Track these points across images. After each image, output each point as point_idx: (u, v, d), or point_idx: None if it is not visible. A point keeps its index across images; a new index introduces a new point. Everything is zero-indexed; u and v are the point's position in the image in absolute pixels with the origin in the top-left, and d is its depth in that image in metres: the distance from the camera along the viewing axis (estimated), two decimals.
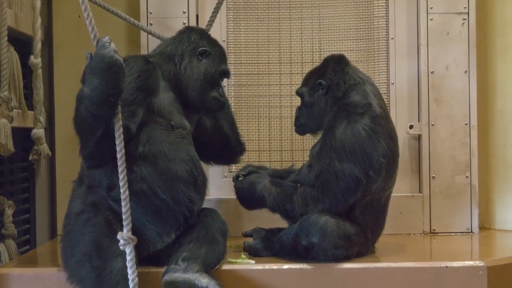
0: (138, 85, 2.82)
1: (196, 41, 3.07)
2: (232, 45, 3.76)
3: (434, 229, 3.66)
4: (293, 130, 3.32)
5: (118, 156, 2.59)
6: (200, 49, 3.05)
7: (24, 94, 3.30)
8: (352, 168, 2.94)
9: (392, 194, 3.18)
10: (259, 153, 3.77)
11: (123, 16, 3.47)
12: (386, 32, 3.74)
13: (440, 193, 3.67)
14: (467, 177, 3.67)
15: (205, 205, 3.05)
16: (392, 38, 3.73)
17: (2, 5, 3.08)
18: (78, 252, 2.72)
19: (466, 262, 2.92)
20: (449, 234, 3.66)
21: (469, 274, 2.88)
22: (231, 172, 3.70)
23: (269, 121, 3.78)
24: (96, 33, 2.58)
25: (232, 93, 3.76)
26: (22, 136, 3.40)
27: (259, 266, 2.91)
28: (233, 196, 3.22)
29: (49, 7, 3.80)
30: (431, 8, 3.68)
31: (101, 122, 2.60)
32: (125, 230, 2.59)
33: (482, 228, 3.76)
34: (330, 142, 2.98)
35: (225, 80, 3.25)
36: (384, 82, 3.73)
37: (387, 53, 3.74)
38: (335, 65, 3.14)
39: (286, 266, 2.91)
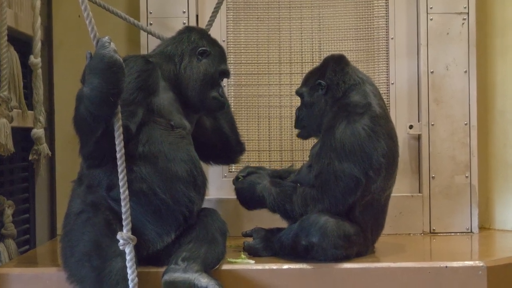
0: (138, 85, 2.82)
1: (196, 41, 3.07)
2: (232, 45, 3.76)
3: (434, 229, 3.66)
4: (293, 130, 3.32)
5: (118, 156, 2.59)
6: (200, 49, 3.05)
7: (24, 94, 3.30)
8: (352, 168, 2.94)
9: (392, 194, 3.18)
10: (259, 153, 3.77)
11: (123, 16, 3.47)
12: (386, 32, 3.74)
13: (440, 193, 3.67)
14: (467, 177, 3.67)
15: (205, 205, 3.05)
16: (392, 38, 3.73)
17: (2, 4, 3.08)
18: (77, 252, 2.72)
19: (466, 262, 2.92)
20: (449, 234, 3.66)
21: (469, 274, 2.88)
22: (230, 172, 3.70)
23: (269, 121, 3.78)
24: (96, 33, 2.58)
25: (232, 93, 3.76)
26: (22, 136, 3.40)
27: (259, 266, 2.91)
28: (233, 196, 3.22)
29: (49, 7, 3.80)
30: (431, 8, 3.68)
31: (101, 122, 2.60)
32: (124, 230, 2.59)
33: (482, 228, 3.76)
34: (330, 142, 2.98)
35: (225, 80, 3.25)
36: (384, 82, 3.73)
37: (387, 53, 3.74)
38: (335, 65, 3.14)
39: (285, 266, 2.91)
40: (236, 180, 3.21)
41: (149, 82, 2.87)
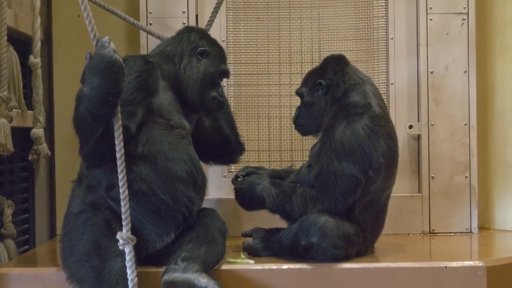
0: (138, 85, 2.82)
1: (196, 41, 3.07)
2: (231, 45, 3.76)
3: (433, 229, 3.66)
4: (293, 130, 3.32)
5: (118, 156, 2.59)
6: (199, 49, 3.05)
7: (23, 93, 3.30)
8: (352, 168, 2.94)
9: (392, 194, 3.18)
10: (258, 153, 3.77)
11: (123, 16, 3.47)
12: (386, 32, 3.74)
13: (439, 193, 3.67)
14: (466, 177, 3.67)
15: (205, 205, 3.05)
16: (392, 38, 3.73)
17: (2, 4, 3.07)
18: (77, 252, 2.71)
19: (466, 262, 2.92)
20: (449, 234, 3.66)
21: (469, 274, 2.88)
22: (230, 172, 3.70)
23: (268, 121, 3.78)
24: (95, 33, 2.58)
25: (232, 93, 3.76)
26: (22, 136, 3.40)
27: (259, 266, 2.91)
28: (232, 196, 3.22)
29: (48, 6, 3.80)
30: (431, 8, 3.68)
31: (100, 121, 2.60)
32: (124, 230, 2.59)
33: (481, 228, 3.76)
34: (330, 142, 2.98)
35: (224, 80, 3.25)
36: (384, 82, 3.73)
37: (386, 53, 3.74)
38: (335, 65, 3.14)
39: (285, 266, 2.91)
40: (235, 179, 3.20)
41: (149, 82, 2.87)
